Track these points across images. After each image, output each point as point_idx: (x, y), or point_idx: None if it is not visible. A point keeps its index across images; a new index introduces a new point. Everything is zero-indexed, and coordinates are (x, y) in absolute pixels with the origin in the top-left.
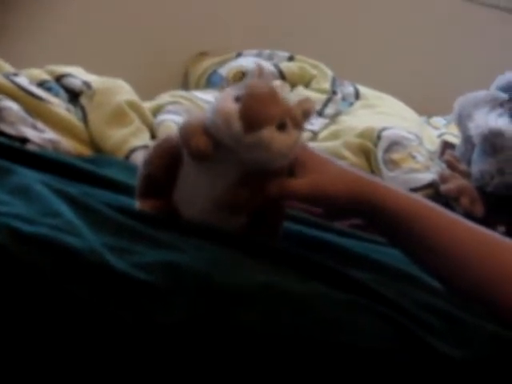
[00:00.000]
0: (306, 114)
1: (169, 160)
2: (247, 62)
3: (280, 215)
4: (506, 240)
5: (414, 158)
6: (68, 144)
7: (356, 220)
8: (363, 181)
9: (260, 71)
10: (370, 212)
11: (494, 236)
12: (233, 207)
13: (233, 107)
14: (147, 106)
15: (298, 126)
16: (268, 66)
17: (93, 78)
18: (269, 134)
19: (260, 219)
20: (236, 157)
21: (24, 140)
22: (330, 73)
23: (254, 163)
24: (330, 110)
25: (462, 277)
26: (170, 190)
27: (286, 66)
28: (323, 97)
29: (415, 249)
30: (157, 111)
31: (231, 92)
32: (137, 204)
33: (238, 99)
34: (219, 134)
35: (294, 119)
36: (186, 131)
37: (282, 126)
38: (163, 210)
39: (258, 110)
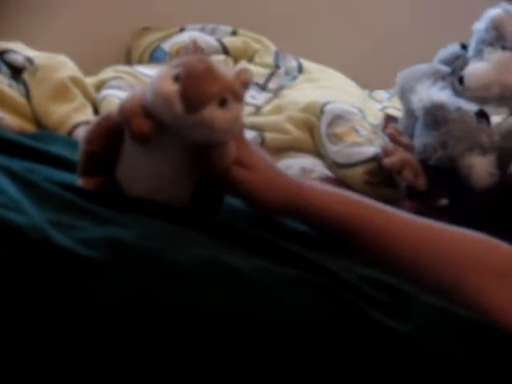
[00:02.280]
0: (245, 85)
1: (110, 137)
2: (190, 36)
3: (221, 189)
4: (442, 226)
5: (356, 131)
6: (11, 120)
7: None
8: (297, 187)
9: (195, 45)
10: (300, 214)
11: (435, 227)
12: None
13: (172, 88)
14: (90, 81)
15: (239, 99)
16: (211, 40)
17: (35, 54)
18: (211, 112)
19: (201, 194)
20: (176, 137)
21: None
22: (272, 47)
23: (198, 141)
24: (273, 85)
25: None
26: (113, 168)
27: (228, 40)
28: (266, 71)
29: (354, 247)
30: (100, 86)
31: (169, 71)
32: (79, 181)
33: (176, 79)
34: (160, 114)
35: (234, 93)
36: (126, 112)
37: (222, 103)
38: (106, 187)
39: (198, 89)
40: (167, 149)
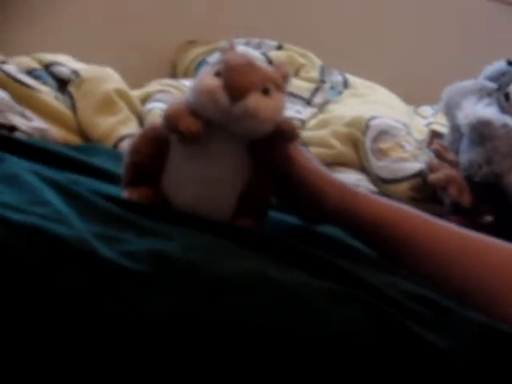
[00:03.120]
0: (285, 78)
1: (155, 147)
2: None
3: (266, 202)
4: (488, 238)
5: (402, 147)
6: (56, 132)
7: None
8: (349, 189)
9: (232, 46)
10: (350, 220)
11: (476, 235)
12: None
13: (215, 82)
14: (136, 94)
15: (280, 89)
16: (256, 54)
17: (81, 67)
18: (255, 99)
19: (246, 205)
20: (224, 133)
21: (12, 128)
22: (318, 62)
23: (245, 133)
24: (318, 99)
25: (448, 277)
26: (158, 179)
27: (274, 54)
28: (312, 85)
29: (400, 254)
30: (145, 99)
31: (209, 70)
32: (124, 193)
33: (217, 74)
34: (206, 111)
35: (275, 83)
36: (172, 115)
37: (265, 91)
38: (151, 198)
39: (240, 78)
40: (213, 150)
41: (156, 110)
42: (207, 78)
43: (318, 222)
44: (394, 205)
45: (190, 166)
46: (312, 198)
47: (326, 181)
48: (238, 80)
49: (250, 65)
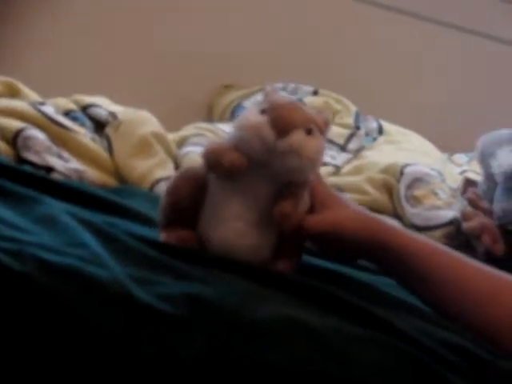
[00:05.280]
0: (327, 123)
1: (194, 188)
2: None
3: (300, 246)
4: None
5: (436, 194)
6: (93, 174)
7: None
8: (379, 221)
9: (274, 89)
10: (382, 252)
11: (503, 274)
12: (281, 222)
13: (261, 118)
14: (172, 137)
15: (322, 132)
16: (292, 99)
17: (118, 109)
18: (299, 137)
19: (281, 250)
20: (264, 172)
21: (49, 169)
22: (353, 108)
23: (286, 171)
24: (353, 145)
25: (472, 315)
26: (195, 220)
27: (310, 100)
28: (346, 132)
29: (431, 294)
30: (181, 143)
31: (255, 108)
32: (161, 235)
33: (263, 112)
34: (250, 147)
35: (318, 125)
36: (215, 152)
37: (309, 131)
38: (188, 241)
39: (286, 115)
40: (254, 189)
41: (192, 154)
42: (252, 115)
43: (346, 259)
44: (431, 242)
45: (229, 203)
46: (337, 239)
47: (348, 220)
48: (283, 116)
49: (295, 104)
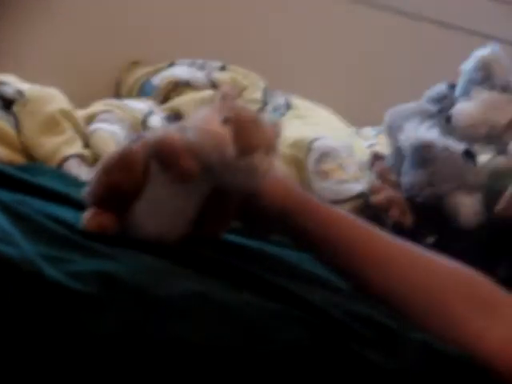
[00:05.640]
0: (277, 137)
1: (137, 172)
2: (180, 71)
3: (225, 220)
4: (435, 255)
5: (344, 168)
6: (0, 151)
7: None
8: (296, 192)
9: (231, 91)
10: (297, 222)
11: (424, 250)
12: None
13: (223, 131)
14: (80, 114)
15: (275, 150)
16: (200, 75)
17: (26, 87)
18: (260, 158)
19: (203, 221)
20: (212, 179)
21: None
22: (261, 83)
23: (235, 186)
24: None
25: (392, 289)
26: (127, 204)
27: (218, 75)
28: (254, 107)
29: (341, 262)
30: (90, 120)
31: (215, 115)
32: (85, 215)
33: (226, 122)
34: (208, 158)
35: (272, 145)
36: (171, 150)
37: (267, 151)
38: (110, 229)
39: (251, 135)
40: (197, 189)
41: (100, 132)
42: (214, 123)
43: (265, 232)
44: (344, 213)
45: (171, 200)
46: (267, 203)
47: (271, 185)
48: (248, 135)
49: (258, 121)
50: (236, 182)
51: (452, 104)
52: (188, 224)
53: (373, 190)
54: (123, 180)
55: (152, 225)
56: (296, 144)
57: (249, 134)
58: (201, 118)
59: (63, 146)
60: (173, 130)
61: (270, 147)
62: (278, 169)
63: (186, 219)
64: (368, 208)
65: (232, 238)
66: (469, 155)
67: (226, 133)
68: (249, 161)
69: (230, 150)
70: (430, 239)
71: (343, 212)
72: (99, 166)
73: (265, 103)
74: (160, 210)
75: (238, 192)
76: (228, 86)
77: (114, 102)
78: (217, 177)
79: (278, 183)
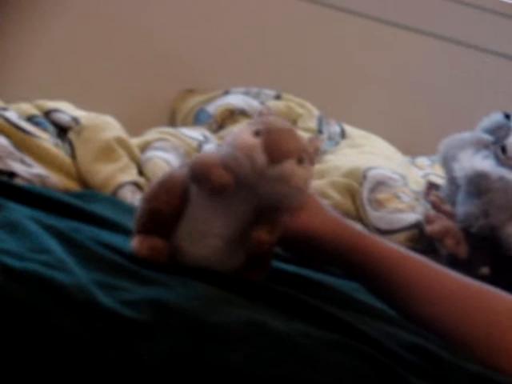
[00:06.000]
0: (317, 151)
1: (176, 196)
2: (235, 99)
3: (271, 254)
4: (492, 289)
5: (398, 198)
6: (56, 179)
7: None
8: (350, 229)
9: (268, 110)
10: (352, 260)
11: (469, 278)
12: (257, 248)
13: (255, 141)
14: (135, 142)
15: (312, 161)
16: (254, 103)
17: (81, 114)
18: (291, 166)
19: (253, 259)
20: (250, 193)
21: (12, 174)
22: (316, 112)
23: (272, 197)
24: None
25: (452, 327)
26: (172, 229)
27: (272, 104)
28: (309, 136)
29: (398, 298)
30: (144, 147)
31: (248, 128)
32: (134, 240)
33: (257, 133)
34: (240, 167)
35: (308, 155)
36: (203, 166)
37: (300, 161)
38: (160, 250)
39: (281, 143)
40: (236, 207)
41: (155, 159)
42: (246, 135)
43: (318, 263)
44: (398, 248)
45: (211, 221)
46: (311, 240)
47: (319, 222)
48: (278, 143)
49: (290, 131)
50: (272, 192)
51: (507, 134)
52: (233, 248)
53: (427, 220)
54: (163, 205)
55: (195, 248)
56: (351, 173)
57: (278, 143)
58: (234, 133)
59: (118, 174)
60: (209, 150)
61: (303, 156)
62: (333, 198)
63: (229, 241)
64: (423, 238)
65: (282, 265)
66: None
67: (256, 142)
68: (279, 168)
69: (261, 158)
70: (485, 270)
71: (397, 247)
72: (143, 193)
73: (320, 132)
74: (201, 231)
75: (279, 205)
76: (267, 106)
77: (169, 129)
78: (252, 189)
79: (330, 218)
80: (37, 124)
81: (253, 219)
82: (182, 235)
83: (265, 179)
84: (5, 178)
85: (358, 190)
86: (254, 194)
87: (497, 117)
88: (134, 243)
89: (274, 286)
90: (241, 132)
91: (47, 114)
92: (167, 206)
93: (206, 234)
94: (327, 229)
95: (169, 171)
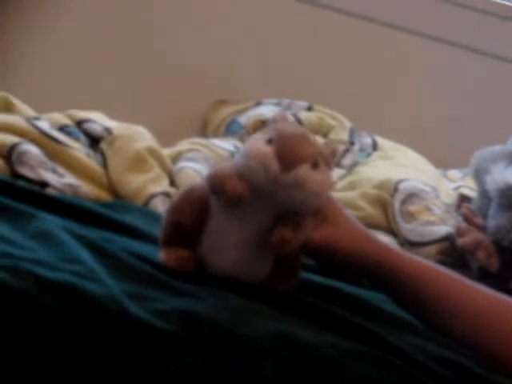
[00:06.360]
0: (334, 154)
1: (198, 208)
2: (266, 110)
3: (297, 265)
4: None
5: (430, 210)
6: (87, 189)
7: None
8: (375, 242)
9: (284, 117)
10: (377, 273)
11: (500, 293)
12: (281, 247)
13: (267, 149)
14: (166, 152)
15: (329, 165)
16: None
17: (113, 124)
18: (305, 171)
19: (279, 269)
20: (267, 201)
21: (44, 184)
22: (348, 123)
23: (290, 204)
24: (347, 161)
25: (479, 341)
26: (196, 240)
27: (304, 115)
28: (341, 147)
29: (426, 312)
30: (176, 158)
31: (261, 136)
32: (161, 253)
33: (270, 141)
34: (254, 176)
35: (324, 159)
36: (219, 177)
37: (315, 165)
38: (186, 262)
39: (293, 149)
40: (256, 217)
41: (187, 170)
42: (259, 144)
43: (341, 275)
44: (426, 262)
45: (231, 230)
46: (334, 252)
47: (349, 237)
48: (290, 150)
49: (303, 136)
50: (288, 198)
51: None
52: (257, 258)
53: (459, 233)
54: (185, 217)
55: (218, 260)
56: (382, 185)
57: (290, 149)
58: (248, 143)
59: (150, 184)
60: (226, 162)
61: (318, 161)
62: (364, 209)
63: (250, 251)
64: (454, 250)
65: (310, 276)
66: None
67: (268, 150)
68: (293, 174)
69: (274, 165)
70: None
71: (424, 261)
72: (168, 205)
73: (351, 143)
74: (222, 243)
75: (298, 211)
76: (282, 112)
77: (201, 140)
78: (269, 197)
79: (354, 230)
80: (69, 134)
81: (274, 226)
82: (206, 247)
83: (280, 186)
84: (37, 188)
85: (390, 202)
86: (271, 202)
87: None
88: (161, 254)
89: (302, 296)
90: (254, 141)
91: (79, 123)
92: (189, 218)
93: (226, 246)
94: (351, 241)
95: (191, 184)
